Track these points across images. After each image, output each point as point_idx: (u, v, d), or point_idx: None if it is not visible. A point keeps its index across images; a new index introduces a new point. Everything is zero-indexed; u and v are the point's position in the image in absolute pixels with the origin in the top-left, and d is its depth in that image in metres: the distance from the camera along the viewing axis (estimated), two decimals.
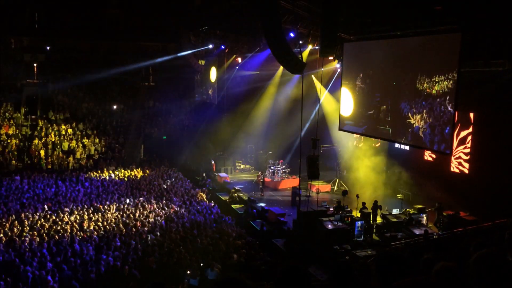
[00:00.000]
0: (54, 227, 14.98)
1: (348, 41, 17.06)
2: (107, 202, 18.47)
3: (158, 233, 14.68)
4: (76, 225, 15.30)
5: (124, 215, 16.80)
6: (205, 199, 20.47)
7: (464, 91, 13.25)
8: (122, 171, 25.16)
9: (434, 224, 16.60)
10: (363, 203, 17.16)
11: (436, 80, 13.40)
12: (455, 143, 16.57)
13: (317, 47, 17.63)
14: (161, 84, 32.45)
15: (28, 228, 14.90)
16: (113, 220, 16.15)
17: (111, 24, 32.40)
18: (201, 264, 12.18)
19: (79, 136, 28.14)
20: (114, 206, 17.95)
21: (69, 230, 14.67)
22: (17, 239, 13.54)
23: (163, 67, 32.18)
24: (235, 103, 27.16)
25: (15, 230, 14.62)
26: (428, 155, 19.29)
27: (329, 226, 14.87)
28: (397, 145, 19.53)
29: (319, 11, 14.72)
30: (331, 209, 16.72)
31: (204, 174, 25.14)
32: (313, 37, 17.55)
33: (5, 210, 16.75)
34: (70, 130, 28.28)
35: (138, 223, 15.63)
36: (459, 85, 12.47)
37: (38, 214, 16.57)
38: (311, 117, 21.42)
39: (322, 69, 16.16)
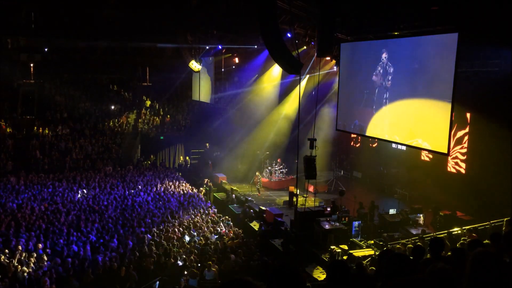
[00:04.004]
0: (51, 227, 14.94)
1: (345, 41, 17.08)
2: (105, 203, 18.43)
3: (155, 234, 14.67)
4: (73, 226, 15.27)
5: None
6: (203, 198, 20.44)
7: (461, 91, 13.28)
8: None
9: (431, 224, 16.64)
10: (360, 203, 17.18)
11: (433, 80, 13.44)
12: (452, 143, 16.60)
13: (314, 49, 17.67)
14: (158, 84, 32.35)
15: (24, 228, 14.84)
16: None
17: (108, 25, 32.27)
18: (199, 265, 12.17)
19: (76, 136, 28.05)
20: None
21: (66, 231, 14.63)
22: (14, 239, 13.50)
23: (159, 67, 32.09)
24: (231, 103, 27.14)
25: (12, 231, 14.56)
26: (425, 155, 19.32)
27: (327, 226, 14.89)
28: (394, 145, 19.55)
29: (316, 11, 14.73)
30: (328, 209, 16.73)
31: (201, 175, 25.09)
32: (310, 37, 17.58)
33: (2, 210, 16.68)
34: (66, 131, 28.19)
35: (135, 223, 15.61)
36: (456, 85, 12.51)
37: (35, 214, 16.50)
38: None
39: (319, 69, 16.18)
